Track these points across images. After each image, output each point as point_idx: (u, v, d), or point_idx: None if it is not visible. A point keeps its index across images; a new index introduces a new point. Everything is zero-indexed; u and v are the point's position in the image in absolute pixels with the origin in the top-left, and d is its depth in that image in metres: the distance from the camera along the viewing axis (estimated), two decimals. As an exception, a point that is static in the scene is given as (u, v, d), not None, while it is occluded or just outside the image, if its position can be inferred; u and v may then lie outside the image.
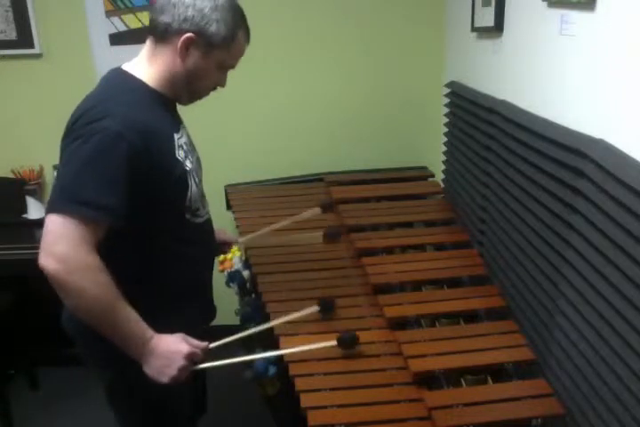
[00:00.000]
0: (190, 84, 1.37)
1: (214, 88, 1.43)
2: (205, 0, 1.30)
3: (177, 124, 1.45)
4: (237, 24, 1.34)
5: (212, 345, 1.40)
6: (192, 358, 1.33)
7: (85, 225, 1.20)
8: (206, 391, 1.77)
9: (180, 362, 1.30)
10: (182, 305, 1.43)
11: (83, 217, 1.20)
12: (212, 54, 1.33)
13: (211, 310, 1.63)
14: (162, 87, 1.37)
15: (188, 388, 1.56)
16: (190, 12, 1.29)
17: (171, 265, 1.41)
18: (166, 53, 1.34)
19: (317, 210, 1.99)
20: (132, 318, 1.26)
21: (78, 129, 1.24)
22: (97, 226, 1.23)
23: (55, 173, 2.63)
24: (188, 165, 1.39)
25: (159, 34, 1.33)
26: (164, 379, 1.30)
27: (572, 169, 1.43)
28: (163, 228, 1.38)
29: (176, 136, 1.38)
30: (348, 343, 1.57)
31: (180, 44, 1.31)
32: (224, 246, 1.79)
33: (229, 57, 1.37)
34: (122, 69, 1.38)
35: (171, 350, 1.30)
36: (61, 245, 1.19)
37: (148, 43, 1.37)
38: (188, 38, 1.30)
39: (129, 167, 1.23)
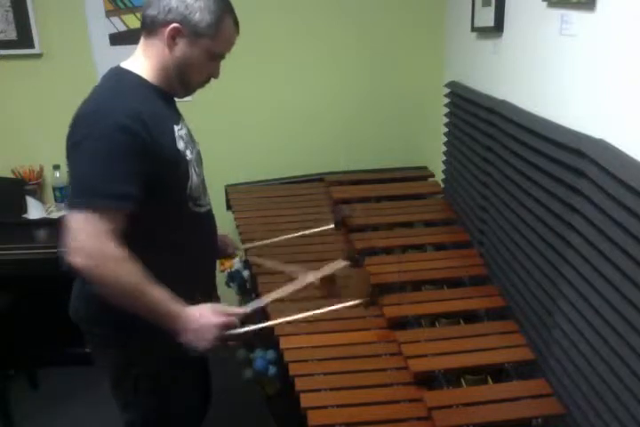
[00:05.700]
0: (182, 75, 1.40)
1: (208, 80, 1.46)
2: None
3: (177, 116, 1.48)
4: (222, 12, 1.37)
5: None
6: (225, 327, 1.37)
7: (104, 216, 1.24)
8: (210, 381, 1.76)
9: (211, 334, 1.35)
10: (185, 295, 1.42)
11: (100, 209, 1.24)
12: (198, 43, 1.36)
13: None
14: (158, 81, 1.40)
15: (194, 376, 1.57)
16: (174, 3, 1.34)
17: (172, 254, 1.42)
18: (156, 46, 1.38)
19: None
20: (162, 299, 1.31)
21: (83, 128, 1.28)
22: (116, 215, 1.26)
23: (57, 174, 2.64)
24: (188, 155, 1.43)
25: (148, 27, 1.38)
26: (199, 348, 1.36)
27: (572, 169, 1.43)
28: (165, 216, 1.40)
29: (176, 128, 1.42)
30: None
31: (166, 34, 1.34)
32: (229, 249, 1.82)
33: (217, 45, 1.39)
34: (120, 67, 1.42)
35: (201, 323, 1.35)
36: (86, 240, 1.24)
37: (142, 38, 1.41)
38: (173, 28, 1.34)
39: (137, 157, 1.27)
